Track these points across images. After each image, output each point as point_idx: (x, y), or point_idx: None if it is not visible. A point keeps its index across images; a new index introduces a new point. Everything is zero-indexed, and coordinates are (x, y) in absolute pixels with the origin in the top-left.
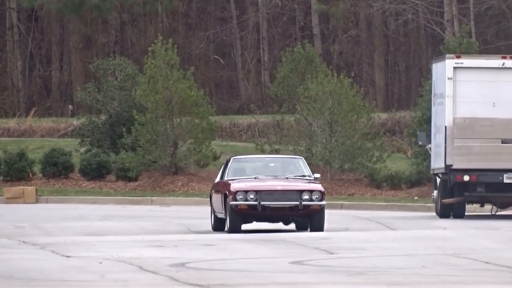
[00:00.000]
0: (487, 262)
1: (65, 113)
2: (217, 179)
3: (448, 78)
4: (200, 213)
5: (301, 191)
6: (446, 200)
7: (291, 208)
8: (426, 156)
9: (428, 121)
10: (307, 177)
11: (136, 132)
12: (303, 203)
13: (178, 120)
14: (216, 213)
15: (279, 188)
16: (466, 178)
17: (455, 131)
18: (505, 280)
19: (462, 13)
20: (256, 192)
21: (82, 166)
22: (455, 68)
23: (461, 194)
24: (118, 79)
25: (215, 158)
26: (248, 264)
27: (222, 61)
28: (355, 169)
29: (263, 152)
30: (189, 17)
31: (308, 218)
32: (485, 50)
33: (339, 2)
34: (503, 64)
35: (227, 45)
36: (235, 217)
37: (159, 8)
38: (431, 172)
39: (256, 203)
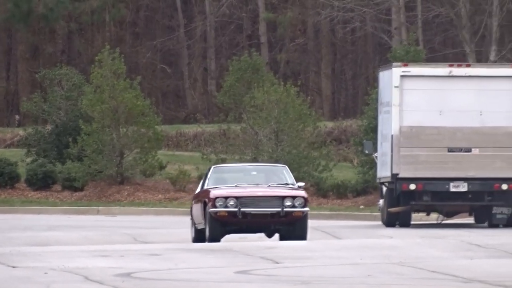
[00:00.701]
0: (433, 271)
1: (11, 123)
2: (198, 190)
3: (395, 87)
4: (146, 223)
5: (283, 197)
6: (392, 209)
7: (273, 214)
8: (373, 165)
9: (375, 129)
10: (290, 185)
11: (82, 142)
12: (285, 209)
13: (124, 129)
14: (196, 225)
15: (260, 194)
16: (412, 186)
17: (401, 139)
18: None
19: (409, 21)
20: (237, 198)
21: (28, 176)
22: (402, 76)
23: (407, 203)
24: (65, 89)
25: (161, 167)
26: (194, 274)
27: (168, 70)
28: (301, 178)
29: (209, 161)
30: (136, 26)
31: (291, 226)
32: (432, 58)
33: (287, 10)
34: (450, 72)
35: (174, 54)
36: (215, 225)
37: (107, 17)
38: (377, 181)
39: (236, 209)
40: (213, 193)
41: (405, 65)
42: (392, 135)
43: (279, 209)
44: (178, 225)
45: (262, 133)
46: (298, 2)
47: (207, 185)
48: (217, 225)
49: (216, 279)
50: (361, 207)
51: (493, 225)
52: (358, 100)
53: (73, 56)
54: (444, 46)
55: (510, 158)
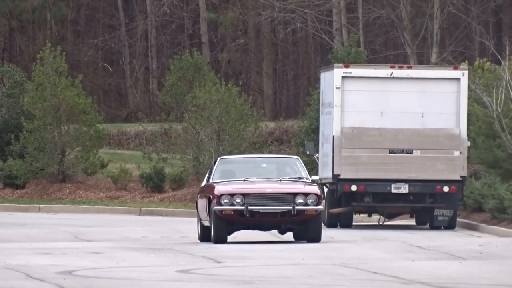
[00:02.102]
0: (374, 272)
1: None
2: (203, 183)
3: (336, 88)
4: (87, 221)
5: (294, 194)
6: (333, 210)
7: (283, 213)
8: (314, 165)
9: (316, 130)
10: (304, 179)
11: (24, 139)
12: (296, 207)
13: (66, 127)
14: (202, 221)
15: (269, 191)
16: (354, 188)
17: (343, 140)
18: None
19: (350, 22)
20: (243, 195)
21: None
22: (343, 77)
23: (349, 204)
24: (6, 86)
25: (103, 166)
26: (135, 273)
27: (110, 69)
28: None
29: (150, 160)
30: (78, 24)
31: (303, 225)
32: (373, 59)
33: (228, 10)
34: (392, 73)
35: (116, 52)
36: (220, 224)
37: (48, 15)
38: (319, 182)
39: (243, 208)
40: (218, 189)
41: (347, 66)
42: (333, 136)
43: (290, 207)
44: (120, 224)
45: (204, 132)
46: (239, 2)
47: (213, 179)
48: (223, 224)
49: (157, 278)
50: None
51: (434, 227)
52: (300, 101)
53: (14, 54)
54: (385, 48)
55: (451, 160)
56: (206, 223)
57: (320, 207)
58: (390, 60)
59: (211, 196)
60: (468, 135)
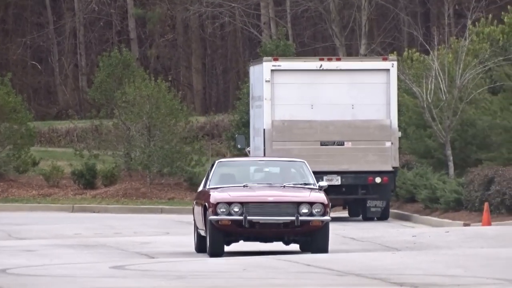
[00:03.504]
0: (308, 265)
1: None
2: (200, 188)
3: (266, 81)
4: (20, 219)
5: (298, 203)
6: None
7: (286, 224)
8: None
9: (247, 124)
10: (311, 186)
11: None
12: (300, 218)
13: None
14: (198, 230)
15: (270, 199)
16: None
17: (273, 133)
18: (327, 282)
19: (278, 16)
20: (242, 204)
21: None
22: (272, 70)
23: None
24: None
25: (34, 164)
26: (69, 270)
27: (39, 67)
28: (174, 173)
29: (82, 157)
30: (5, 23)
31: (308, 237)
32: (302, 52)
33: (155, 6)
34: (321, 66)
35: (44, 50)
36: (217, 236)
37: None
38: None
39: (241, 218)
40: (214, 197)
41: (276, 60)
42: (264, 129)
43: (293, 217)
44: (53, 221)
45: (134, 128)
46: None
47: (209, 185)
48: (219, 235)
49: (91, 274)
50: None
51: (367, 218)
52: (230, 95)
53: None
54: (314, 40)
55: (382, 151)
56: (203, 233)
57: (327, 217)
58: (319, 53)
59: (207, 204)
60: (399, 126)
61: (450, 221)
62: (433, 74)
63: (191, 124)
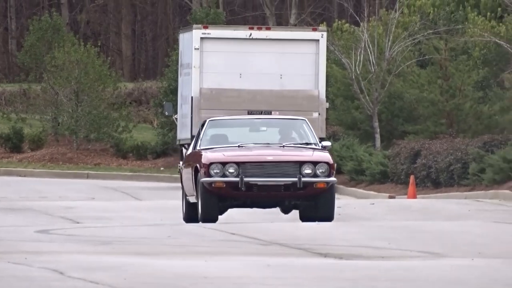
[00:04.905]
0: (233, 233)
1: None
2: (189, 150)
3: (195, 49)
4: None
5: (301, 163)
6: None
7: (287, 187)
8: (173, 126)
9: (175, 91)
10: (313, 145)
11: None
12: (303, 179)
13: None
14: (187, 197)
15: (269, 158)
16: None
17: (201, 101)
18: (250, 251)
19: None
20: (238, 164)
21: None
22: (202, 38)
23: None
24: None
25: None
26: None
27: None
28: (101, 139)
29: (9, 121)
30: None
31: (312, 201)
32: (232, 20)
33: None
34: (250, 35)
35: None
36: (210, 200)
37: None
38: (177, 143)
39: (237, 179)
40: (207, 157)
41: (205, 27)
42: (192, 97)
43: (296, 179)
44: None
45: (63, 93)
46: None
47: (200, 145)
48: (213, 200)
49: (17, 238)
50: (161, 168)
51: None
52: (159, 62)
53: None
54: (244, 9)
55: (310, 121)
56: (193, 199)
57: (333, 178)
58: (249, 21)
59: (198, 165)
60: (327, 97)
61: (375, 193)
62: (363, 46)
63: (119, 90)
